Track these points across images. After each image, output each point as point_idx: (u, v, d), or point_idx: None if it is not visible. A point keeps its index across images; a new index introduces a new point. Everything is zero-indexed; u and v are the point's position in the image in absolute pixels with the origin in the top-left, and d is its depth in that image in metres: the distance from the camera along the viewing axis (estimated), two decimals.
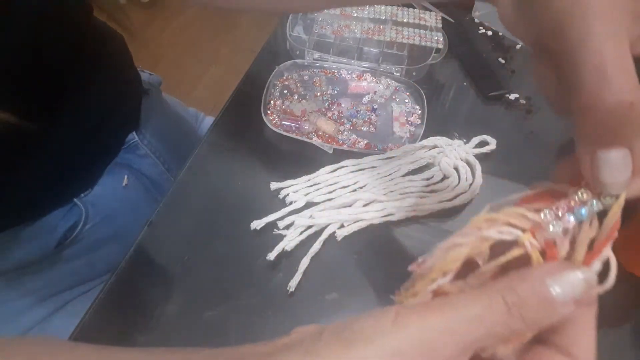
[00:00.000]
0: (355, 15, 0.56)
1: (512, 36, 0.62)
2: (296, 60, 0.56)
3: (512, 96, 0.55)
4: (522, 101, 0.55)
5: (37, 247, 0.48)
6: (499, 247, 0.20)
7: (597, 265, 0.19)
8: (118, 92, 0.53)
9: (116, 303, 0.39)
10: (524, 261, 0.19)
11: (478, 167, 0.47)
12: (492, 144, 0.49)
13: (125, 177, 0.54)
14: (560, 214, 0.19)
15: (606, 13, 0.19)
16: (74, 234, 0.50)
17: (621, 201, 0.20)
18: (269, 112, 0.51)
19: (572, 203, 0.20)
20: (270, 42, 0.61)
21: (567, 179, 0.22)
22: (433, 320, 0.17)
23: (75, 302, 0.53)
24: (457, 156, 0.48)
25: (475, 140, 0.50)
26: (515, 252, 0.19)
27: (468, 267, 0.20)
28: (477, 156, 0.48)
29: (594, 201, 0.20)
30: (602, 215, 0.20)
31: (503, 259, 0.19)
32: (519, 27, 0.24)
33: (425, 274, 0.20)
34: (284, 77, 0.55)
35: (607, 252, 0.19)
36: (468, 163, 0.48)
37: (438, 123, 0.51)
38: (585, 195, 0.20)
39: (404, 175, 0.47)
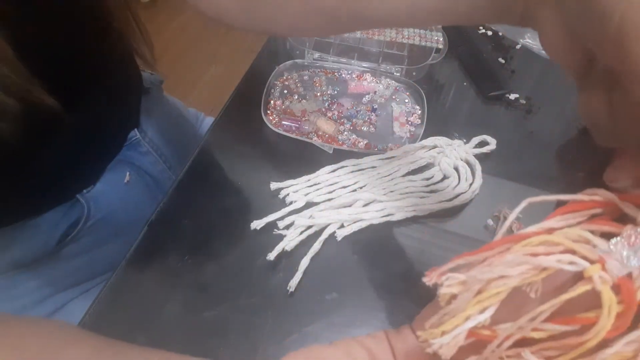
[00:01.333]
0: None
1: (512, 36, 0.63)
2: (296, 60, 0.56)
3: (512, 96, 0.55)
4: (522, 101, 0.55)
5: (39, 244, 0.49)
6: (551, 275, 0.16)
7: None
8: (122, 85, 0.53)
9: (116, 303, 0.39)
10: (590, 298, 0.16)
11: (478, 167, 0.47)
12: (492, 144, 0.49)
13: (127, 174, 0.54)
14: (633, 242, 0.16)
15: None
16: (76, 231, 0.50)
17: None
18: (269, 112, 0.51)
19: None
20: (270, 42, 0.61)
21: (626, 180, 0.18)
22: None
23: (75, 302, 0.53)
24: (457, 156, 0.48)
25: (475, 140, 0.50)
26: (581, 289, 0.16)
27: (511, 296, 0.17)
28: (477, 156, 0.48)
29: None
30: None
31: (565, 296, 0.15)
32: (566, 48, 0.21)
33: (458, 309, 0.17)
34: (284, 77, 0.55)
35: None
36: (468, 163, 0.48)
37: (438, 123, 0.51)
38: None
39: (404, 175, 0.47)
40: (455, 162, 0.47)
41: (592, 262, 0.16)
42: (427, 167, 0.48)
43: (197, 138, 0.68)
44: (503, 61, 0.60)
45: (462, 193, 0.45)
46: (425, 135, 0.49)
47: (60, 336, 0.24)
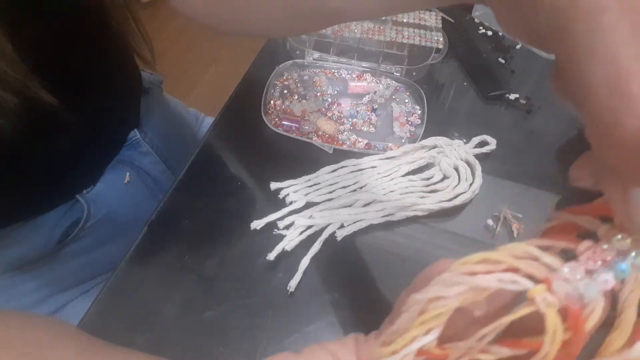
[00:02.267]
0: None
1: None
2: (296, 60, 0.56)
3: (512, 96, 0.55)
4: (522, 101, 0.55)
5: (39, 244, 0.49)
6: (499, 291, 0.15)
7: None
8: (120, 84, 0.53)
9: (116, 303, 0.39)
10: (542, 320, 0.14)
11: (478, 167, 0.47)
12: (492, 144, 0.49)
13: (127, 174, 0.54)
14: (592, 267, 0.14)
15: (623, 3, 0.13)
16: (76, 231, 0.50)
17: None
18: (269, 112, 0.51)
19: (608, 253, 0.15)
20: (270, 42, 0.61)
21: (588, 180, 0.17)
22: None
23: (75, 302, 0.53)
24: (457, 156, 0.48)
25: (475, 140, 0.50)
26: (523, 310, 0.14)
27: (460, 314, 0.16)
28: (477, 156, 0.48)
29: (635, 252, 0.15)
30: None
31: (507, 318, 0.14)
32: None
33: (404, 329, 0.16)
34: (284, 77, 0.55)
35: None
36: (468, 163, 0.48)
37: (438, 123, 0.51)
38: (623, 243, 0.15)
39: (404, 175, 0.47)
40: (455, 162, 0.47)
41: (537, 281, 0.14)
42: (427, 167, 0.48)
43: (197, 138, 0.68)
44: (503, 61, 0.60)
45: (462, 193, 0.45)
46: (425, 135, 0.49)
47: (49, 334, 0.24)
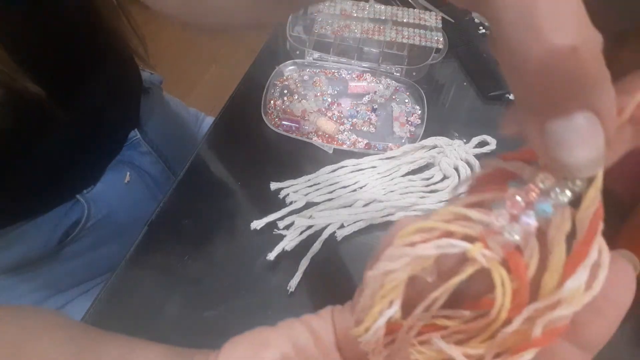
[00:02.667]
0: (355, 15, 0.56)
1: None
2: (296, 60, 0.56)
3: (512, 96, 0.55)
4: None
5: (40, 243, 0.49)
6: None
7: (583, 274, 0.13)
8: (119, 84, 0.53)
9: (116, 303, 0.39)
10: (487, 273, 0.14)
11: (478, 167, 0.47)
12: (492, 144, 0.49)
13: (127, 174, 0.54)
14: (516, 212, 0.14)
15: None
16: (76, 231, 0.50)
17: (598, 183, 0.14)
18: (269, 112, 0.51)
19: (532, 195, 0.14)
20: (270, 42, 0.61)
21: (515, 125, 0.16)
22: None
23: (75, 302, 0.53)
24: (457, 156, 0.48)
25: (475, 140, 0.50)
26: (468, 270, 0.14)
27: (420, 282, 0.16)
28: (477, 156, 0.48)
29: (559, 190, 0.14)
30: (576, 202, 0.14)
31: (455, 280, 0.14)
32: None
33: (369, 305, 0.16)
34: (284, 77, 0.55)
35: (594, 252, 0.13)
36: (468, 163, 0.48)
37: (438, 123, 0.51)
38: (547, 182, 0.14)
39: (404, 175, 0.47)
40: (455, 162, 0.47)
41: (473, 241, 0.14)
42: (427, 167, 0.48)
43: (197, 138, 0.68)
44: None
45: (462, 193, 0.45)
46: (425, 135, 0.49)
47: (38, 324, 0.24)
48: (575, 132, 0.13)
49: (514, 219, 0.14)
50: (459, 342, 0.15)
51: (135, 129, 0.55)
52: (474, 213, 0.14)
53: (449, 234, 0.15)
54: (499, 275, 0.14)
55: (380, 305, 0.15)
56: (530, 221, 0.14)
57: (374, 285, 0.16)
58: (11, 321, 0.23)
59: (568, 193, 0.14)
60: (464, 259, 0.14)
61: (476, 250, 0.14)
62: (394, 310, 0.15)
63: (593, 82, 0.12)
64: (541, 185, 0.14)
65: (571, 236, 0.14)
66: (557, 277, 0.14)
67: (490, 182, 0.16)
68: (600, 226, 0.14)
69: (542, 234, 0.14)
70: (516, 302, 0.14)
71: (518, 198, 0.14)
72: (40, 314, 0.25)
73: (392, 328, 0.16)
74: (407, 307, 0.16)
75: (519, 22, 0.12)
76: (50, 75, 0.40)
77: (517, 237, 0.14)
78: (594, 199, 0.14)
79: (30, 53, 0.38)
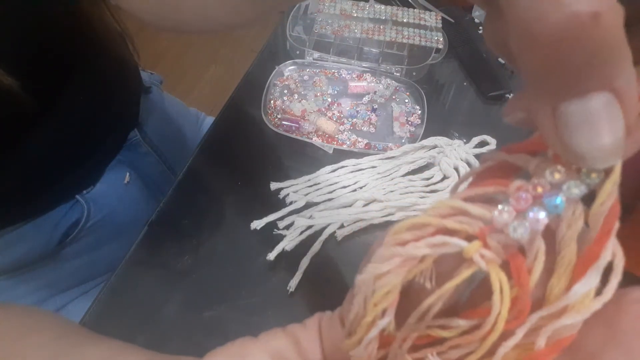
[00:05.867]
0: (355, 15, 0.56)
1: None
2: (296, 60, 0.56)
3: (512, 96, 0.55)
4: None
5: (39, 244, 0.49)
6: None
7: (594, 278, 0.12)
8: (116, 84, 0.53)
9: (116, 303, 0.39)
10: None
11: (478, 164, 0.47)
12: (492, 144, 0.49)
13: (127, 174, 0.54)
14: (522, 207, 0.12)
15: None
16: (76, 231, 0.50)
17: (615, 176, 0.12)
18: (269, 112, 0.51)
19: (539, 189, 0.12)
20: (270, 42, 0.61)
21: (520, 113, 0.14)
22: None
23: (75, 302, 0.53)
24: (457, 156, 0.48)
25: (475, 140, 0.50)
26: (464, 274, 0.13)
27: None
28: (477, 156, 0.48)
29: (572, 183, 0.12)
30: (588, 198, 0.12)
31: (450, 284, 0.13)
32: None
33: (360, 314, 0.14)
34: (284, 77, 0.55)
35: (607, 253, 0.12)
36: (468, 163, 0.48)
37: (438, 123, 0.51)
38: (557, 175, 0.12)
39: (404, 175, 0.47)
40: (455, 162, 0.47)
41: (470, 239, 0.13)
42: (427, 167, 0.48)
43: (197, 138, 0.68)
44: (503, 61, 0.60)
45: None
46: (425, 135, 0.49)
47: (26, 322, 0.24)
48: (593, 115, 0.11)
49: (520, 215, 0.12)
50: (459, 359, 0.14)
51: (135, 129, 0.55)
52: (473, 207, 0.13)
53: (446, 232, 0.13)
54: (498, 279, 0.12)
55: (372, 314, 0.13)
56: (540, 217, 0.12)
57: (366, 291, 0.14)
58: (1, 320, 0.23)
59: (582, 187, 0.12)
60: (462, 260, 0.13)
61: (473, 250, 0.12)
62: (387, 321, 0.14)
63: (614, 57, 0.11)
64: (550, 179, 0.12)
65: (581, 236, 0.12)
66: (565, 281, 0.12)
67: (493, 177, 0.14)
68: (616, 225, 0.12)
69: (548, 233, 0.12)
70: (517, 310, 0.12)
71: (523, 193, 0.12)
72: (30, 313, 0.25)
73: (385, 341, 0.14)
74: (402, 315, 0.14)
75: None
76: (29, 69, 0.40)
77: (522, 235, 0.12)
78: (610, 193, 0.12)
79: (3, 44, 0.38)
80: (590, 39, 0.10)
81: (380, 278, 0.13)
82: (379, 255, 0.14)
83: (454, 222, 0.13)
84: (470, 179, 0.15)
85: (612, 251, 0.12)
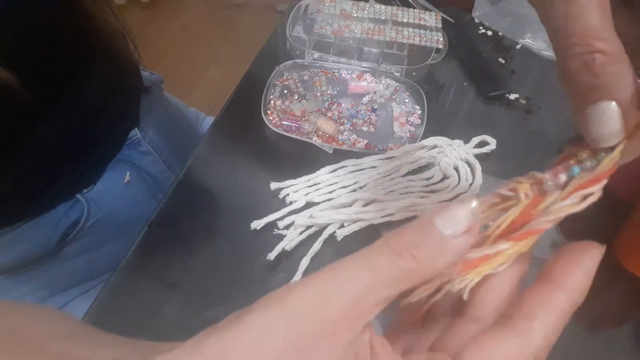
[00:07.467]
0: (355, 15, 0.56)
1: (512, 36, 0.63)
2: (296, 60, 0.56)
3: (512, 96, 0.55)
4: (522, 101, 0.55)
5: (39, 243, 0.49)
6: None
7: (591, 190, 0.19)
8: (117, 82, 0.53)
9: (116, 303, 0.39)
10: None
11: (478, 167, 0.47)
12: (492, 144, 0.49)
13: (128, 173, 0.54)
14: (558, 173, 0.20)
15: None
16: (76, 230, 0.50)
17: (615, 154, 0.19)
18: (269, 112, 0.51)
19: (572, 162, 0.20)
20: (270, 42, 0.61)
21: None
22: (323, 282, 0.16)
23: (75, 302, 0.53)
24: (457, 156, 0.48)
25: (475, 140, 0.50)
26: (511, 204, 0.20)
27: None
28: (477, 156, 0.48)
29: (589, 160, 0.20)
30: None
31: (503, 217, 0.20)
32: None
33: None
34: (284, 77, 0.55)
35: (594, 189, 0.19)
36: (468, 163, 0.48)
37: (438, 123, 0.51)
38: (584, 155, 0.20)
39: (404, 175, 0.47)
40: (455, 162, 0.47)
41: (522, 182, 0.20)
42: (427, 167, 0.48)
43: (197, 138, 0.68)
44: (503, 61, 0.60)
45: (462, 193, 0.45)
46: (425, 135, 0.49)
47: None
48: (600, 114, 0.19)
49: (556, 177, 0.20)
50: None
51: (136, 128, 0.55)
52: (538, 174, 0.20)
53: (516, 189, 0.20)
54: (524, 192, 0.20)
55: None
56: (562, 177, 0.20)
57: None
58: None
59: (594, 161, 0.20)
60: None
61: (521, 188, 0.20)
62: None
63: (613, 78, 0.18)
64: (578, 157, 0.20)
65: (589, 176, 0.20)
66: (573, 190, 0.19)
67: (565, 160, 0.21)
68: (605, 180, 0.20)
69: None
70: (525, 213, 0.20)
71: (559, 167, 0.20)
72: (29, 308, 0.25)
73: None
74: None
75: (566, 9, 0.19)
76: (28, 65, 0.39)
77: (552, 186, 0.19)
78: (607, 164, 0.20)
79: (1, 39, 0.38)
80: (591, 73, 0.19)
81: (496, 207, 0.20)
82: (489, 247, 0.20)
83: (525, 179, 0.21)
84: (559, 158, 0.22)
85: (597, 189, 0.19)
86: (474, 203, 0.18)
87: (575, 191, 0.19)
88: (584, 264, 0.18)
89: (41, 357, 0.19)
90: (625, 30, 0.18)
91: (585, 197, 0.19)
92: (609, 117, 0.19)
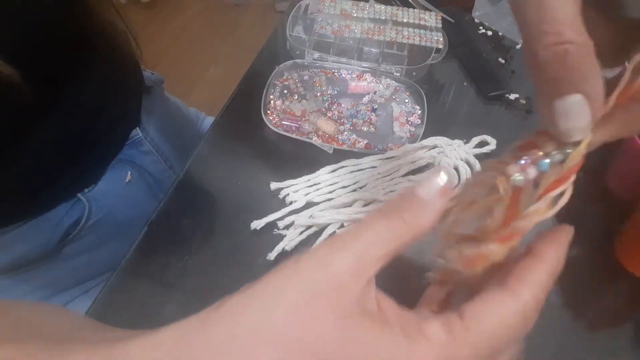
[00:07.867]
0: (355, 15, 0.56)
1: (512, 36, 0.63)
2: (296, 60, 0.56)
3: (512, 96, 0.55)
4: (522, 101, 0.55)
5: (41, 242, 0.49)
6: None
7: (559, 190, 0.20)
8: (118, 82, 0.53)
9: (116, 303, 0.39)
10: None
11: (478, 167, 0.47)
12: (492, 144, 0.49)
13: (129, 173, 0.54)
14: (526, 168, 0.21)
15: None
16: (77, 229, 0.50)
17: (581, 148, 0.20)
18: (269, 112, 0.51)
19: (540, 154, 0.21)
20: (270, 42, 0.61)
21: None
22: (327, 246, 0.19)
23: (75, 302, 0.53)
24: (457, 156, 0.48)
25: (475, 140, 0.50)
26: (491, 196, 0.21)
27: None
28: (477, 156, 0.48)
29: (556, 152, 0.20)
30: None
31: (482, 202, 0.22)
32: None
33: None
34: (284, 77, 0.55)
35: (563, 188, 0.20)
36: (468, 163, 0.48)
37: (438, 123, 0.51)
38: (549, 146, 0.20)
39: (404, 175, 0.47)
40: (455, 162, 0.47)
41: (501, 175, 0.21)
42: (427, 167, 0.48)
43: (198, 138, 0.68)
44: (503, 61, 0.60)
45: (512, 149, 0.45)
46: (425, 135, 0.49)
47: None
48: (568, 108, 0.19)
49: (524, 170, 0.20)
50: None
51: (137, 128, 0.55)
52: (507, 164, 0.21)
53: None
54: (506, 201, 0.21)
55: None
56: (532, 171, 0.20)
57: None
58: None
59: (561, 155, 0.20)
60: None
61: (500, 183, 0.21)
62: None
63: (582, 73, 0.18)
64: (546, 150, 0.21)
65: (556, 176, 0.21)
66: (542, 192, 0.20)
67: (527, 148, 0.22)
68: (574, 177, 0.20)
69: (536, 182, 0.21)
70: (509, 212, 0.21)
71: (526, 159, 0.21)
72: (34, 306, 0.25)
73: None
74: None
75: (539, 23, 0.18)
76: (30, 61, 0.39)
77: (521, 180, 0.20)
78: (574, 158, 0.20)
79: (3, 34, 0.38)
80: (562, 64, 0.18)
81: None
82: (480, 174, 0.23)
83: (494, 170, 0.22)
84: (512, 148, 0.23)
85: (566, 188, 0.20)
86: (442, 172, 0.20)
87: (547, 192, 0.20)
88: (559, 241, 0.21)
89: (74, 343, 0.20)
90: (593, 31, 0.19)
91: (556, 199, 0.20)
92: (578, 111, 0.19)
